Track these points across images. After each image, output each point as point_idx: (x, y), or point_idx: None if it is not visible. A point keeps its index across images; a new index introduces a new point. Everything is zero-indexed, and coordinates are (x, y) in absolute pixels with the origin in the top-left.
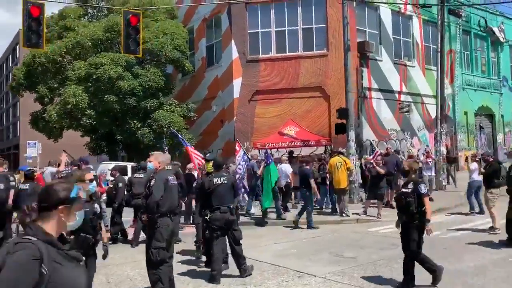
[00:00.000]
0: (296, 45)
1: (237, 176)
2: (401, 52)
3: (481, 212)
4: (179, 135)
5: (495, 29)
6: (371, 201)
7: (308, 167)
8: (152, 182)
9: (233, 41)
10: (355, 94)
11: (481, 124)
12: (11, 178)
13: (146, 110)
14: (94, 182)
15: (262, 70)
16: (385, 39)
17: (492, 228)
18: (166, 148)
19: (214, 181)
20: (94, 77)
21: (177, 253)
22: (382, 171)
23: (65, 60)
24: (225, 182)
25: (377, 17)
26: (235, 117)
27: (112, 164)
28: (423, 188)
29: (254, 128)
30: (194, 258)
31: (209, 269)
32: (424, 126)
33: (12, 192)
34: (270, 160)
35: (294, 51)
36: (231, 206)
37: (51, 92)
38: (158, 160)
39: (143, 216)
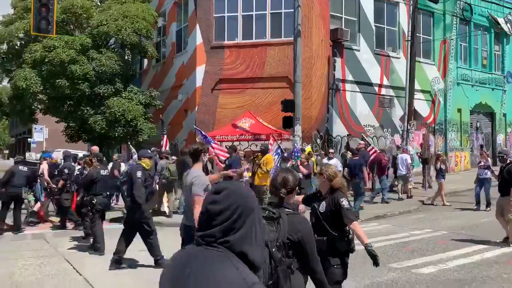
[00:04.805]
0: (263, 32)
1: None
2: (385, 42)
3: None
4: (201, 132)
5: (501, 20)
6: None
7: None
8: None
9: (198, 25)
10: (325, 86)
11: (478, 123)
12: None
13: (100, 96)
14: None
15: (226, 57)
16: (364, 27)
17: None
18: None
19: None
20: (47, 60)
21: None
22: (304, 171)
23: (23, 42)
24: None
25: (356, 3)
26: (196, 107)
27: None
28: None
29: (216, 119)
30: None
31: None
32: None
33: None
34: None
35: (261, 38)
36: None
37: (8, 75)
38: None
39: None
